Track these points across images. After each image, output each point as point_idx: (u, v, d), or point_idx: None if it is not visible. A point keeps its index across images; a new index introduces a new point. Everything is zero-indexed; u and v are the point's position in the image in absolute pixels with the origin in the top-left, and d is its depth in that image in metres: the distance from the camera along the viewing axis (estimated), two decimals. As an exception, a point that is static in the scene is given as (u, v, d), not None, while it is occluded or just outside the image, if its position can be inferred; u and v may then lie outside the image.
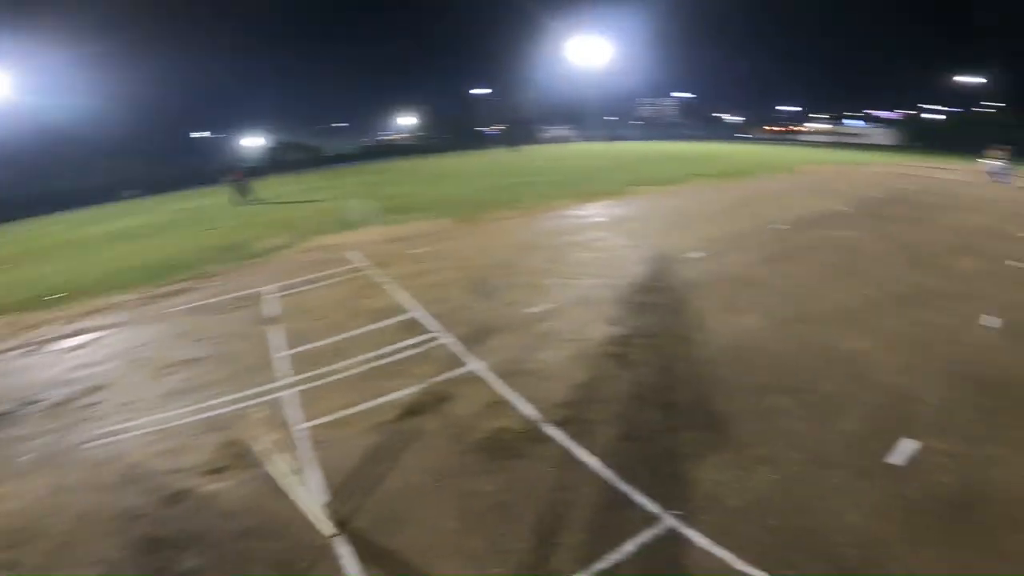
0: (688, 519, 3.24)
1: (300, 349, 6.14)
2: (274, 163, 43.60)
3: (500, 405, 4.71)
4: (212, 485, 3.91)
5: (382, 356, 5.79)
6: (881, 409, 4.24)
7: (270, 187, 26.51)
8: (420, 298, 7.46)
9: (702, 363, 5.18)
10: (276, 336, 6.59)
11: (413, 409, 4.76)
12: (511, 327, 6.32)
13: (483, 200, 15.77)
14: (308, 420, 4.70)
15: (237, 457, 4.24)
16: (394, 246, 10.69)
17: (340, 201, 18.80)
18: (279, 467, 3.94)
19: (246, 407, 5.00)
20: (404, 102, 77.18)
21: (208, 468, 4.10)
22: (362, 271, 9.08)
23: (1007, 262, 7.64)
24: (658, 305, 6.66)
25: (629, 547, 3.07)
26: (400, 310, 7.09)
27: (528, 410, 4.59)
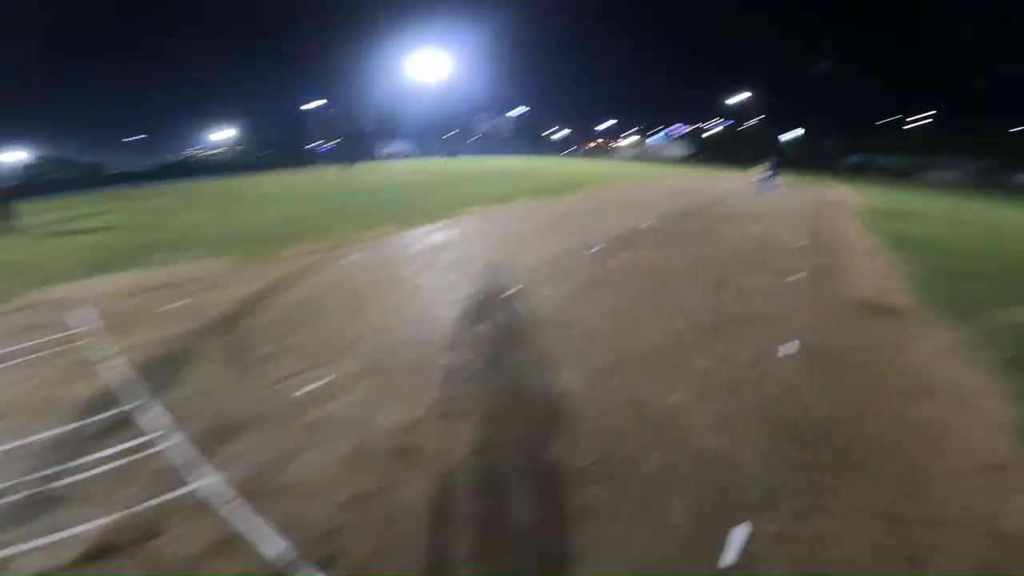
0: None
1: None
2: (39, 183, 33.73)
3: (235, 542, 3.11)
4: None
5: (66, 472, 3.75)
6: (707, 487, 3.63)
7: (26, 215, 19.96)
8: (152, 379, 5.29)
9: (510, 448, 4.15)
10: None
11: (100, 552, 3.03)
12: (272, 416, 4.61)
13: (287, 230, 13.37)
14: None
15: None
16: (144, 298, 8.02)
17: (103, 234, 14.52)
18: None
19: None
20: (223, 113, 65.42)
21: None
22: (83, 339, 6.42)
23: (788, 278, 8.28)
24: (465, 367, 5.56)
25: None
26: (114, 400, 4.88)
27: (277, 547, 3.06)
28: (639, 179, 33.33)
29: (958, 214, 20.96)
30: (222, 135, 68.35)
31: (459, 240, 11.09)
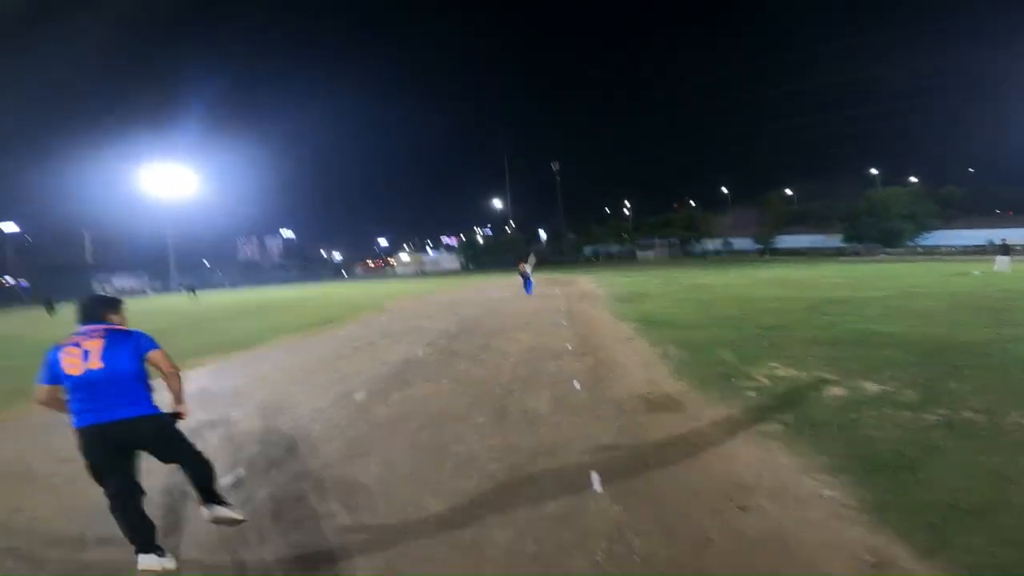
0: None
1: None
2: None
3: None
4: None
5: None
6: None
7: None
8: None
9: None
10: None
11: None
12: None
13: None
14: None
15: None
16: None
17: None
18: None
19: None
20: None
21: None
22: None
23: (567, 389, 7.78)
24: None
25: None
26: None
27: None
28: (416, 296, 33.24)
29: (671, 288, 25.97)
30: None
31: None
